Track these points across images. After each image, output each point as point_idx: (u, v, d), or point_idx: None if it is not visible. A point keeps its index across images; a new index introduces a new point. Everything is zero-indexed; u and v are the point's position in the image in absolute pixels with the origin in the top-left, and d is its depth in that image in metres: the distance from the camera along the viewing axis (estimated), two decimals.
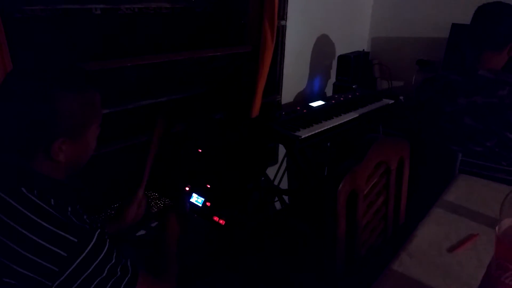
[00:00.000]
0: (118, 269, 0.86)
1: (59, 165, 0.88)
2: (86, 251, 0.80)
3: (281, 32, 2.26)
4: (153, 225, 2.01)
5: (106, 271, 0.83)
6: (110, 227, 1.28)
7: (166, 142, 1.82)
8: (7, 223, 0.79)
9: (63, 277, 0.77)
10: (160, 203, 2.03)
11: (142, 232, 1.96)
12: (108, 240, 0.86)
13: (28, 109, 0.81)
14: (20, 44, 1.28)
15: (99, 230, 0.85)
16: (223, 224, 1.54)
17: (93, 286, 0.81)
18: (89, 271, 0.80)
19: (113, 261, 0.85)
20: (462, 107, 1.67)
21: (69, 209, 0.86)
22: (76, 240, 0.79)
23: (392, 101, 2.54)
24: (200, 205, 1.60)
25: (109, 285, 0.84)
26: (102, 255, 0.83)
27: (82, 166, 0.96)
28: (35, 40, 1.38)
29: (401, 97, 2.64)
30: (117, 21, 1.59)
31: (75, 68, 0.90)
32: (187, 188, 1.66)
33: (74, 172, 0.95)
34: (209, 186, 1.62)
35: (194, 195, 1.63)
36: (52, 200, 0.84)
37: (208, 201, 1.59)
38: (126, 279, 0.87)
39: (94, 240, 0.82)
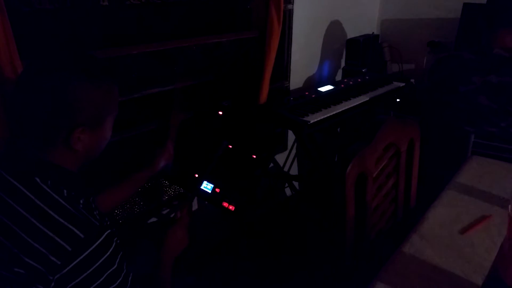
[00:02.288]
0: (118, 280, 0.84)
1: (76, 154, 0.88)
2: (91, 249, 0.79)
3: (288, 16, 2.23)
4: (164, 212, 2.03)
5: (105, 276, 0.82)
6: (143, 174, 1.38)
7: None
8: (19, 211, 0.79)
9: (64, 271, 0.77)
10: (171, 191, 2.04)
11: (153, 219, 1.99)
12: (115, 244, 0.85)
13: (49, 99, 0.81)
14: (29, 38, 1.29)
15: (109, 230, 0.84)
16: (233, 210, 1.54)
17: None
18: (89, 271, 0.79)
19: (115, 266, 0.84)
20: (476, 87, 1.64)
21: (81, 201, 0.87)
22: (83, 236, 0.79)
23: (403, 84, 2.50)
24: (210, 191, 1.60)
25: None
26: (105, 257, 0.81)
27: (97, 156, 0.96)
28: (44, 33, 1.38)
29: (412, 80, 2.60)
30: (125, 11, 1.59)
31: (93, 59, 0.91)
32: (196, 175, 1.66)
33: (89, 162, 0.95)
34: (218, 172, 1.62)
35: (204, 182, 1.63)
36: (65, 191, 0.84)
37: (217, 187, 1.59)
38: None
39: (101, 239, 0.81)
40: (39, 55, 0.87)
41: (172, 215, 1.83)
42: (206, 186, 1.62)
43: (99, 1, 1.46)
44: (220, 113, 1.84)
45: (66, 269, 0.77)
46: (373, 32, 2.84)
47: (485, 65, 1.63)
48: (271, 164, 2.53)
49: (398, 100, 2.48)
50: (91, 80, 0.85)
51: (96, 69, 0.88)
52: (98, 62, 0.90)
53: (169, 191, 2.03)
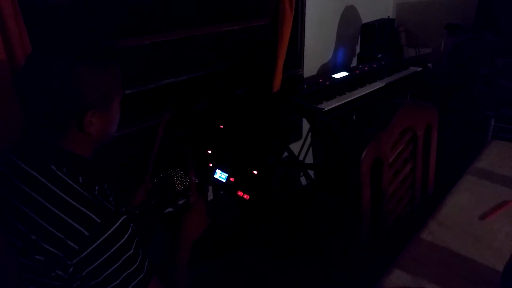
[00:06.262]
0: (134, 265, 0.85)
1: (89, 139, 0.90)
2: (108, 233, 0.80)
3: (301, 2, 2.19)
4: (180, 202, 2.05)
5: (121, 261, 0.82)
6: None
7: (187, 122, 1.83)
8: (37, 199, 0.81)
9: (82, 256, 0.78)
10: (186, 181, 2.05)
11: (169, 209, 2.00)
12: (131, 229, 0.85)
13: (55, 84, 0.81)
14: (45, 33, 1.31)
15: (125, 216, 0.85)
16: (248, 198, 1.53)
17: (107, 273, 0.81)
18: (106, 255, 0.80)
19: (131, 251, 0.84)
20: (498, 69, 1.60)
21: (97, 188, 0.88)
22: (99, 220, 0.79)
23: (420, 69, 2.44)
24: (224, 180, 1.60)
25: (121, 278, 0.83)
26: (121, 241, 0.82)
27: (108, 140, 0.97)
28: (59, 27, 1.40)
29: (430, 65, 2.53)
30: (137, 3, 1.59)
31: (95, 43, 0.92)
32: (210, 165, 1.66)
33: (102, 147, 0.97)
34: (232, 161, 1.62)
35: (218, 171, 1.63)
36: (80, 178, 0.85)
37: (232, 177, 1.59)
38: (138, 278, 0.86)
39: (117, 224, 0.82)
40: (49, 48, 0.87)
41: (183, 201, 1.84)
42: (221, 175, 1.62)
43: None
44: (234, 102, 1.83)
45: (84, 254, 0.78)
46: (388, 17, 2.78)
47: (508, 46, 1.58)
48: (286, 153, 2.52)
49: (415, 85, 2.42)
50: (94, 62, 0.85)
51: (98, 52, 0.88)
52: (99, 45, 0.91)
53: (184, 182, 2.04)
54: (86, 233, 0.78)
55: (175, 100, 1.53)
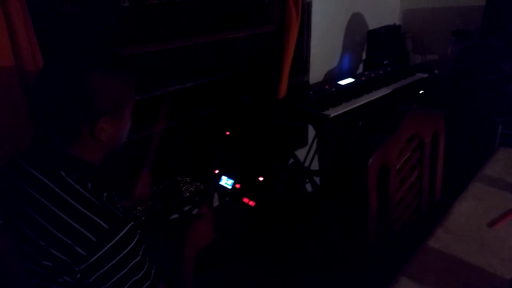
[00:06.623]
0: (141, 271, 0.85)
1: (100, 146, 0.90)
2: (115, 240, 0.80)
3: (307, 9, 2.20)
4: (185, 209, 2.05)
5: (128, 267, 0.82)
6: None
7: (193, 126, 1.84)
8: (45, 205, 0.81)
9: (89, 262, 0.78)
10: (192, 187, 2.05)
11: (175, 216, 2.00)
12: (138, 236, 0.86)
13: (69, 90, 0.83)
14: (53, 40, 1.33)
15: (132, 222, 0.85)
16: (253, 205, 1.53)
17: (114, 280, 0.81)
18: (114, 262, 0.80)
19: (138, 258, 0.84)
20: (506, 74, 1.59)
21: (105, 195, 0.88)
22: (107, 227, 0.80)
23: (426, 75, 2.43)
24: (230, 187, 1.60)
25: (127, 284, 0.83)
26: (129, 248, 0.82)
27: (118, 147, 0.98)
28: (67, 35, 1.41)
29: (436, 71, 2.53)
30: (144, 11, 1.61)
31: (108, 51, 0.93)
32: (216, 171, 1.67)
33: (111, 153, 0.97)
34: (238, 168, 1.62)
35: (224, 178, 1.63)
36: (89, 184, 0.86)
37: (238, 183, 1.58)
38: (145, 285, 0.86)
39: (125, 230, 0.82)
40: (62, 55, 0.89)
41: (194, 211, 1.85)
42: (227, 182, 1.62)
43: (120, 2, 1.48)
44: (240, 108, 1.84)
45: (92, 260, 0.78)
46: (394, 23, 2.79)
47: None
48: (292, 160, 2.52)
49: (421, 92, 2.41)
50: (108, 69, 0.87)
51: (110, 60, 0.90)
52: (112, 53, 0.92)
53: (190, 188, 2.04)
54: (94, 239, 0.78)
55: (171, 101, 1.53)
